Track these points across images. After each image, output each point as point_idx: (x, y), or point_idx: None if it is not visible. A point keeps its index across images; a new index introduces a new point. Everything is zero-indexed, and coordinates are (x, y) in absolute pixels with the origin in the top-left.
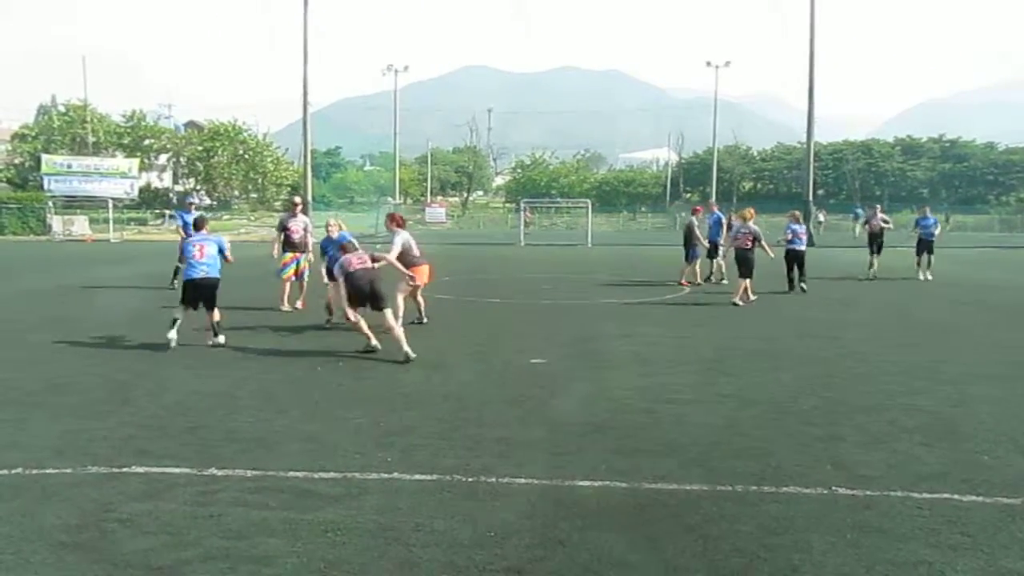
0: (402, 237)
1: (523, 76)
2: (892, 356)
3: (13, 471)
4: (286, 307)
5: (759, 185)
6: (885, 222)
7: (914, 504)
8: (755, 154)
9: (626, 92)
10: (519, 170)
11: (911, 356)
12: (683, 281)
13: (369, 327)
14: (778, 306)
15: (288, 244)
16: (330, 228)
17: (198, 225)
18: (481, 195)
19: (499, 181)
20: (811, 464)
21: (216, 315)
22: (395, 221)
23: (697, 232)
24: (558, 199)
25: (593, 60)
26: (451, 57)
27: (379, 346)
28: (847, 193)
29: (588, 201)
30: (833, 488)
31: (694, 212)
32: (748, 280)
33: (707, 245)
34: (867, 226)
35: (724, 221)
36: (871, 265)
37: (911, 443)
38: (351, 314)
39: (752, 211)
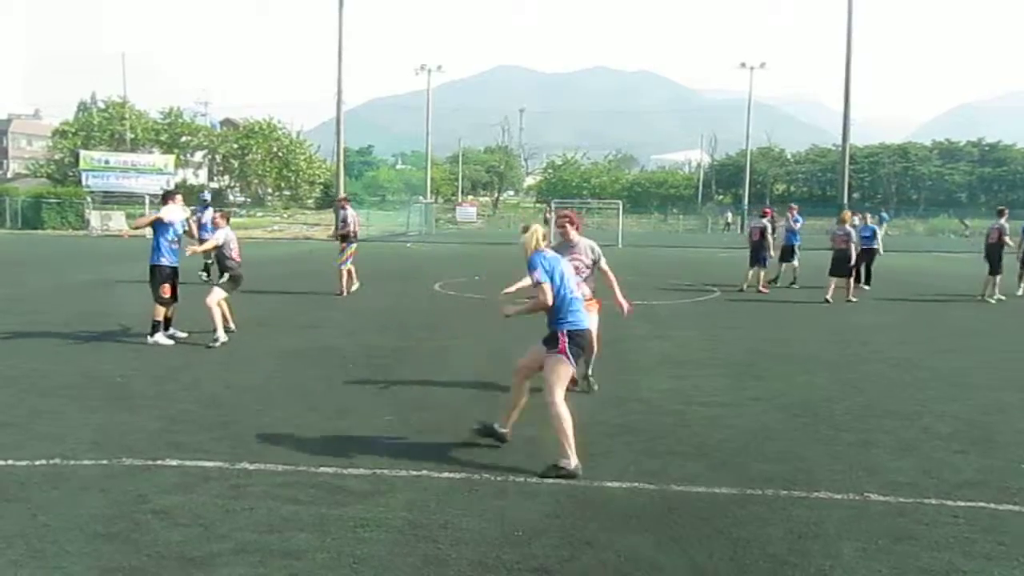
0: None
1: (555, 76)
2: (926, 361)
3: (51, 462)
4: (354, 287)
5: (792, 188)
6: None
7: (949, 512)
8: (789, 156)
9: (658, 93)
10: (550, 170)
11: (945, 361)
12: (761, 287)
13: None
14: (811, 309)
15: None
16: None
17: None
18: (512, 195)
19: (530, 181)
20: (843, 469)
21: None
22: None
23: (770, 237)
24: (589, 200)
25: (625, 60)
26: (484, 57)
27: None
28: (883, 196)
29: (619, 202)
30: (865, 494)
31: (764, 215)
32: (845, 279)
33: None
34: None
35: (800, 225)
36: (992, 284)
37: (946, 450)
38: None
39: (849, 214)
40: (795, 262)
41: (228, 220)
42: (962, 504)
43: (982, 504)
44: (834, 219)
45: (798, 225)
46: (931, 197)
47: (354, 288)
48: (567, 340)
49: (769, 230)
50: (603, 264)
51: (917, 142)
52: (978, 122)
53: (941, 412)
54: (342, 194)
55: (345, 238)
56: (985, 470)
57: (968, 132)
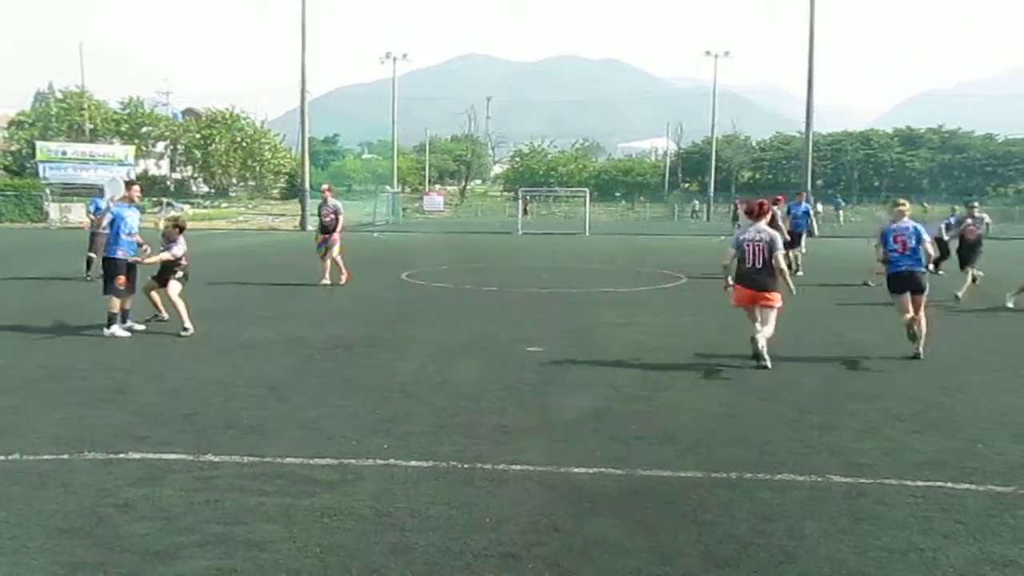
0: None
1: (522, 65)
2: (887, 345)
3: (10, 457)
4: (325, 280)
5: (758, 175)
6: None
7: (908, 492)
8: (754, 144)
9: (625, 81)
10: (517, 159)
11: (906, 345)
12: None
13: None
14: None
15: (320, 226)
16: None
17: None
18: (479, 184)
19: (497, 170)
20: (806, 452)
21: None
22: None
23: (780, 223)
24: (556, 188)
25: (592, 49)
26: (450, 45)
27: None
28: (846, 183)
29: (586, 190)
30: (827, 476)
31: (776, 202)
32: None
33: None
34: (960, 231)
35: (812, 212)
36: (970, 280)
37: (906, 431)
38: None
39: (907, 204)
40: (798, 249)
41: (183, 230)
42: (921, 484)
43: (940, 484)
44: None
45: (799, 211)
46: (893, 183)
47: (325, 282)
48: None
49: (779, 217)
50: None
51: (879, 129)
52: (938, 110)
53: (902, 394)
54: (325, 184)
55: (327, 229)
56: (944, 450)
57: (928, 119)
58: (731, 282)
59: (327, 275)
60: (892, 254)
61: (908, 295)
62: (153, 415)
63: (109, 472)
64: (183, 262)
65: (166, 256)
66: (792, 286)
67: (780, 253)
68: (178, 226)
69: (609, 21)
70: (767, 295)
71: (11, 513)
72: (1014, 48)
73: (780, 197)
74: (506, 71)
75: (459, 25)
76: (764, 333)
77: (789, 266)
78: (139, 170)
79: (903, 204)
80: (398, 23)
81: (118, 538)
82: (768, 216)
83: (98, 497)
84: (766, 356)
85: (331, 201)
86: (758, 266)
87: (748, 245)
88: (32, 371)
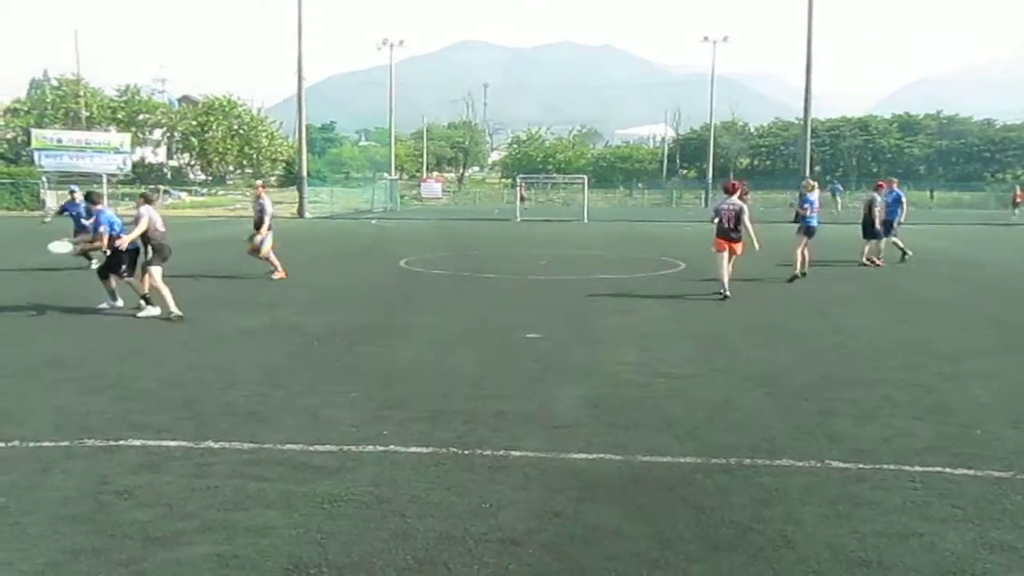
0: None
1: (519, 51)
2: (885, 331)
3: (10, 444)
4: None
5: (756, 161)
6: None
7: (906, 477)
8: (752, 130)
9: (623, 68)
10: (515, 146)
11: (904, 332)
12: (867, 260)
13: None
14: (772, 282)
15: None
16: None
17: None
18: (477, 171)
19: (495, 157)
20: (804, 437)
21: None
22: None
23: (876, 210)
24: (554, 175)
25: (589, 35)
26: (446, 32)
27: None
28: (844, 169)
29: (584, 177)
30: (826, 461)
31: (877, 188)
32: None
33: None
34: None
35: (904, 199)
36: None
37: (904, 417)
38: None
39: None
40: (892, 237)
41: (148, 201)
42: (919, 469)
43: (938, 469)
44: (796, 192)
45: (889, 199)
46: (891, 170)
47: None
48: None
49: (876, 203)
50: (745, 217)
51: (877, 115)
52: (937, 95)
53: (900, 380)
54: (258, 181)
55: (259, 226)
56: (941, 436)
57: (927, 105)
58: (714, 230)
59: (279, 269)
60: (811, 213)
61: (809, 238)
62: (152, 402)
63: (109, 459)
64: (159, 228)
65: (134, 234)
66: (756, 242)
67: (747, 217)
68: (143, 196)
69: (606, 7)
70: (735, 245)
71: (12, 500)
72: (1013, 34)
73: (881, 184)
74: (503, 57)
75: (455, 11)
76: (728, 273)
77: (903, 254)
78: (136, 158)
79: (811, 183)
80: (394, 9)
81: (119, 524)
82: (739, 192)
83: (98, 484)
84: (727, 291)
85: (261, 199)
86: (730, 226)
87: (723, 212)
88: (31, 358)
